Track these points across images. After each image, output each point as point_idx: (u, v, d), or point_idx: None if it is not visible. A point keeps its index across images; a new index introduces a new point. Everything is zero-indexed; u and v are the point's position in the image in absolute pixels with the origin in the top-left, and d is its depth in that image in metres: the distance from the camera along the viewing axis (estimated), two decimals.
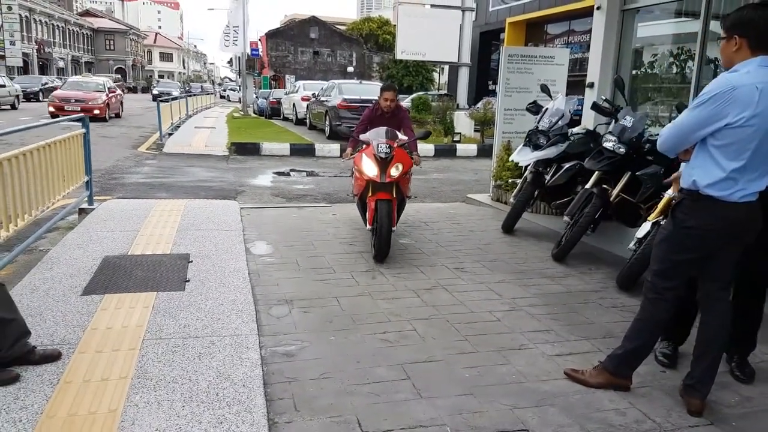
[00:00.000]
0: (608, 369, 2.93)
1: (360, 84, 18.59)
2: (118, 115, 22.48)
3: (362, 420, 2.57)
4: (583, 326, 3.74)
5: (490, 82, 25.94)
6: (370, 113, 5.76)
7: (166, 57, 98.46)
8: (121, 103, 23.72)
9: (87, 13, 75.73)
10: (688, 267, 2.78)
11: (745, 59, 2.52)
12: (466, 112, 17.61)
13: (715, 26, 5.44)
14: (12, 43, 42.70)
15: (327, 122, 15.91)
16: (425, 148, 13.03)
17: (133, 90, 62.99)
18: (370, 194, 4.88)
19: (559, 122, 5.70)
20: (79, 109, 17.95)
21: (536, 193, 5.93)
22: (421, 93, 23.39)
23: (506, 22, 23.17)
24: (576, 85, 10.50)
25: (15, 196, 4.12)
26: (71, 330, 3.21)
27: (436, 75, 41.29)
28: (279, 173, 10.39)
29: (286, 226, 5.96)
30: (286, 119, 23.09)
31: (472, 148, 14.32)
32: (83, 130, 5.85)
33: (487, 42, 26.62)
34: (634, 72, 6.69)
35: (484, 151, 13.29)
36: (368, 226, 4.96)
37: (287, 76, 48.69)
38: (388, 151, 4.82)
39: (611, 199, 4.83)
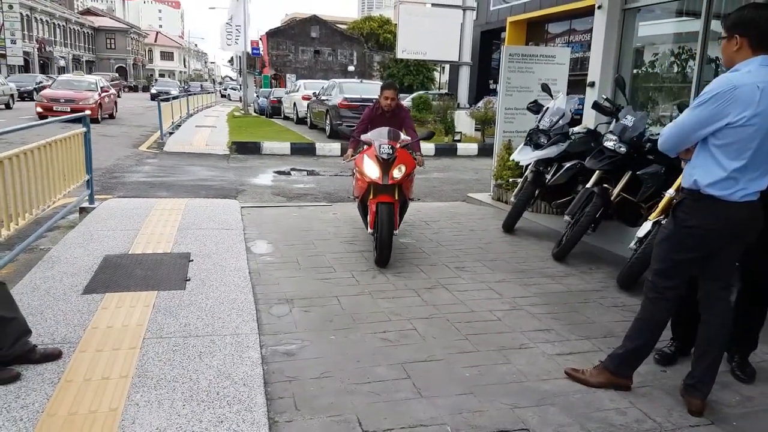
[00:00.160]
0: (609, 368, 2.93)
1: (361, 83, 18.59)
2: (111, 116, 21.37)
3: (362, 419, 2.57)
4: (583, 326, 3.74)
5: (491, 81, 25.91)
6: (370, 112, 5.63)
7: (167, 56, 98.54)
8: (115, 103, 22.54)
9: (88, 12, 75.73)
10: (688, 266, 2.78)
11: (746, 59, 2.53)
12: (466, 111, 17.60)
13: (716, 26, 5.44)
14: (13, 41, 42.71)
15: (328, 121, 15.91)
16: (426, 147, 13.02)
17: (134, 89, 63.04)
18: (371, 197, 4.73)
19: (560, 121, 5.70)
20: (69, 110, 16.89)
21: (537, 192, 5.93)
22: (421, 92, 23.40)
23: (507, 21, 23.15)
24: (577, 84, 10.51)
25: (16, 194, 4.12)
26: (72, 329, 3.21)
27: (436, 74, 41.26)
28: (280, 172, 10.39)
29: (287, 225, 5.96)
30: (286, 118, 23.10)
31: (472, 147, 14.32)
32: (84, 129, 5.86)
33: (488, 41, 26.59)
34: (635, 71, 6.68)
35: (485, 151, 13.28)
36: (369, 230, 4.84)
37: (288, 75, 48.73)
38: (391, 152, 4.67)
39: (612, 198, 4.83)
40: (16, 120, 16.94)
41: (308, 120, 19.13)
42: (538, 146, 5.73)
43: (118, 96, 35.34)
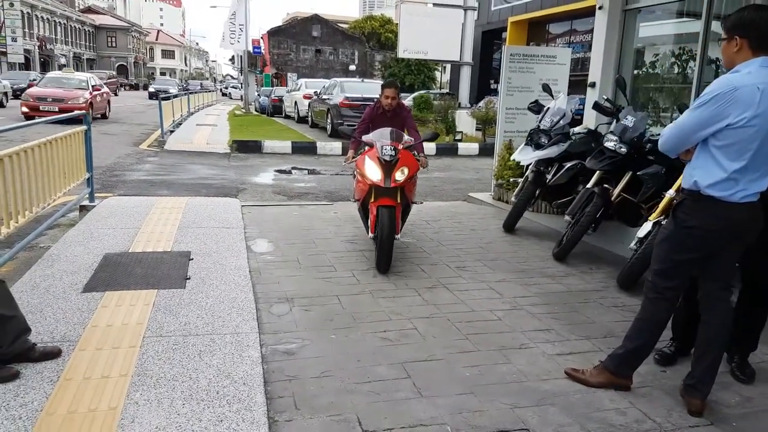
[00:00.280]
0: (609, 368, 2.93)
1: (362, 82, 18.57)
2: (104, 116, 19.95)
3: (362, 419, 2.57)
4: (583, 325, 3.74)
5: (492, 81, 25.92)
6: (371, 112, 5.49)
7: (168, 54, 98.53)
8: (108, 103, 20.92)
9: (89, 10, 75.68)
10: (689, 267, 2.78)
11: (747, 60, 2.53)
12: (467, 111, 17.58)
13: (716, 27, 5.44)
14: (14, 39, 42.74)
15: (329, 120, 15.91)
16: (427, 146, 12.91)
17: (134, 87, 63.08)
18: (372, 199, 4.55)
19: (561, 122, 5.70)
20: (56, 110, 15.90)
21: (537, 192, 5.94)
22: (423, 92, 23.37)
23: (508, 21, 23.16)
24: (578, 84, 10.49)
25: (16, 192, 4.12)
26: (71, 327, 3.21)
27: (438, 74, 41.24)
28: (280, 171, 10.39)
29: (288, 224, 5.96)
30: (287, 117, 23.10)
31: (473, 147, 14.32)
32: (84, 127, 5.86)
33: (489, 41, 26.59)
34: (635, 72, 6.68)
35: (486, 150, 13.28)
36: (370, 234, 4.67)
37: (289, 74, 48.76)
38: (393, 153, 4.50)
39: (612, 198, 4.83)
40: (9, 118, 16.75)
41: (309, 119, 19.11)
42: (538, 146, 5.72)
43: (115, 94, 34.42)
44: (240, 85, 41.03)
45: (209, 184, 8.74)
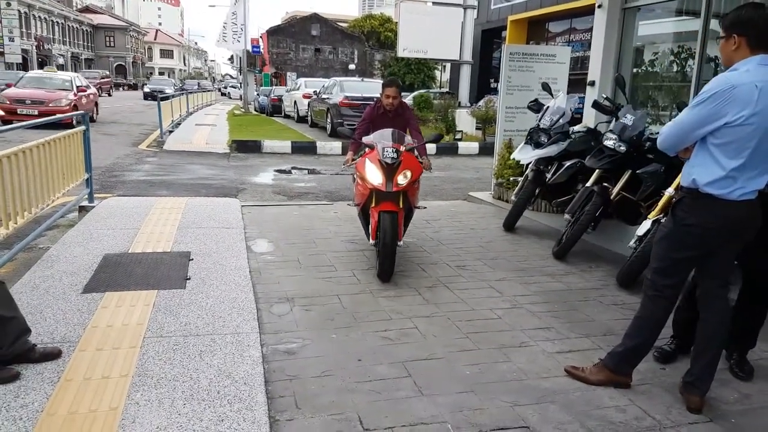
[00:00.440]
0: (608, 366, 2.94)
1: (362, 81, 18.59)
2: (91, 119, 18.10)
3: (363, 417, 2.58)
4: (583, 324, 3.74)
5: (492, 80, 25.89)
6: (371, 112, 5.18)
7: (166, 54, 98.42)
8: (96, 104, 19.00)
9: (87, 10, 75.52)
10: (688, 265, 2.79)
11: (745, 58, 2.53)
12: (467, 110, 17.59)
13: (715, 25, 5.44)
14: (11, 39, 42.62)
15: (328, 120, 15.90)
16: (427, 146, 12.99)
17: (133, 87, 62.95)
18: (373, 204, 4.27)
19: (561, 120, 5.71)
20: (36, 113, 14.55)
21: (537, 191, 5.94)
22: (422, 91, 23.42)
23: (508, 20, 23.13)
24: (577, 83, 10.49)
25: (15, 193, 4.12)
26: (72, 328, 3.21)
27: (437, 73, 41.23)
28: (280, 171, 10.40)
29: (288, 223, 5.96)
30: (287, 117, 23.08)
31: (473, 146, 14.32)
32: (83, 128, 5.86)
33: (488, 40, 26.57)
34: (635, 70, 6.69)
35: (486, 149, 13.28)
36: (371, 241, 4.40)
37: (288, 74, 48.69)
38: (395, 156, 4.23)
39: (612, 197, 4.84)
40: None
41: (309, 118, 19.11)
42: (538, 145, 5.73)
43: (109, 95, 33.16)
44: (239, 85, 40.92)
45: (209, 184, 8.74)
